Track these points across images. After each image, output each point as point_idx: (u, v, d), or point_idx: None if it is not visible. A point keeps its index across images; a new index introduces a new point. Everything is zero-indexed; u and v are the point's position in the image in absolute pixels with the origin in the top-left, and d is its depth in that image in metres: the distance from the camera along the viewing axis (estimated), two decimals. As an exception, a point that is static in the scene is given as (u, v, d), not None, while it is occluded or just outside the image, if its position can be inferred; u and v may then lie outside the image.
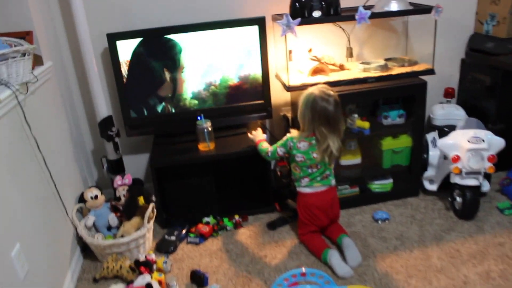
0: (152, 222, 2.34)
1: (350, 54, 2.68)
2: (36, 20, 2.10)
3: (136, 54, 2.42)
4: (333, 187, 2.28)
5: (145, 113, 2.55)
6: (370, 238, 2.35)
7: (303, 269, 2.08)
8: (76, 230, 2.27)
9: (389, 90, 2.42)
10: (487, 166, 2.33)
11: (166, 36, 2.41)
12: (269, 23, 2.53)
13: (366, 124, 2.46)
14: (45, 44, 2.20)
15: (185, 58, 2.47)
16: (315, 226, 2.28)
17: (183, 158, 2.47)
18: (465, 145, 2.34)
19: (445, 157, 2.50)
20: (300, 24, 2.22)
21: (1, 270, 1.51)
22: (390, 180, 2.68)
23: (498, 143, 2.36)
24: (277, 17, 2.39)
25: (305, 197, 2.26)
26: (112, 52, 2.38)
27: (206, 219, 2.51)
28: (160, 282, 2.03)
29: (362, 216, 2.55)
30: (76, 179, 2.49)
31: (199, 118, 2.46)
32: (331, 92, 2.11)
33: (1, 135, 1.65)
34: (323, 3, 2.33)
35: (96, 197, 2.35)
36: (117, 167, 2.59)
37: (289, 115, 2.68)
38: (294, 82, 2.43)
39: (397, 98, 2.56)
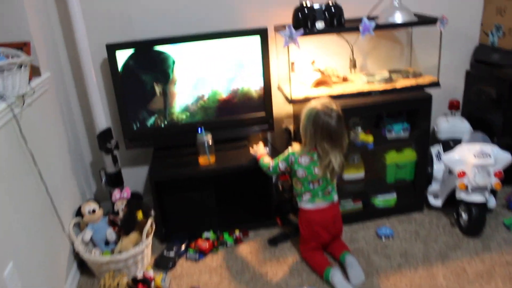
0: (150, 237, 2.29)
1: (353, 65, 2.64)
2: (34, 31, 2.06)
3: (129, 66, 2.38)
4: (335, 203, 2.23)
5: (147, 125, 2.50)
6: (373, 255, 2.29)
7: (305, 288, 2.02)
8: (73, 246, 2.22)
9: (394, 103, 2.38)
10: (494, 182, 2.28)
11: (167, 45, 2.37)
12: (271, 34, 2.50)
13: (370, 138, 2.41)
14: (43, 54, 2.16)
15: (186, 69, 2.43)
16: (317, 243, 2.23)
17: (183, 172, 2.42)
18: (471, 160, 2.29)
19: (450, 171, 2.45)
20: (303, 35, 2.19)
21: (-7, 291, 1.46)
22: (394, 195, 2.63)
23: (505, 158, 2.32)
24: (279, 28, 2.35)
25: (307, 213, 2.22)
26: (112, 63, 2.34)
27: (206, 234, 2.46)
28: (158, 300, 1.98)
29: (365, 232, 2.49)
30: (74, 192, 2.45)
31: (199, 130, 2.41)
32: (334, 107, 2.07)
33: (-4, 150, 1.61)
34: (326, 14, 2.29)
35: (93, 211, 2.31)
36: (115, 180, 2.54)
37: (291, 127, 2.64)
38: (296, 94, 2.39)
39: (401, 111, 2.51)
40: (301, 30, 2.17)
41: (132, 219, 2.28)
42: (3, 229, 1.59)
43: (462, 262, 2.19)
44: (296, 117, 2.54)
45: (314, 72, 2.53)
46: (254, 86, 2.51)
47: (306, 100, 2.23)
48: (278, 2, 2.53)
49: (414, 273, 2.14)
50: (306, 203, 2.20)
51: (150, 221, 2.27)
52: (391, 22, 2.34)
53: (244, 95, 2.52)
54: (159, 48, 2.37)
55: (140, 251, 2.19)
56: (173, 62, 2.40)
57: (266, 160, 2.31)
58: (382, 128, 2.52)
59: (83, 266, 2.30)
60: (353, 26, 2.28)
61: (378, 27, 2.26)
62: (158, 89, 2.43)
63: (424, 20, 2.39)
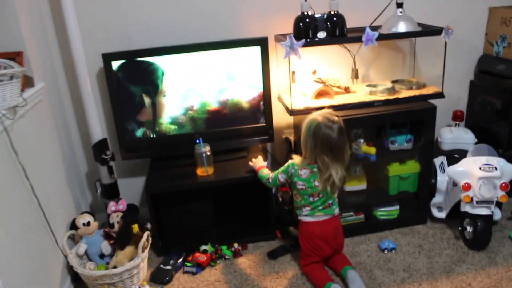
0: (146, 251, 2.23)
1: (355, 75, 2.60)
2: (28, 41, 2.01)
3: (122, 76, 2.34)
4: (336, 216, 2.18)
5: (144, 135, 2.45)
6: (376, 270, 2.23)
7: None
8: (67, 259, 2.16)
9: (397, 114, 2.32)
10: (500, 194, 2.23)
11: (164, 55, 2.33)
12: (271, 43, 2.45)
13: (372, 150, 2.36)
14: (38, 64, 2.12)
15: (187, 79, 2.39)
16: (317, 256, 2.18)
17: (180, 184, 2.37)
18: (476, 173, 2.24)
19: (454, 183, 2.40)
20: (305, 45, 2.14)
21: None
22: (397, 207, 2.58)
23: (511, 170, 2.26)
24: (280, 38, 2.31)
25: (307, 226, 2.17)
26: (108, 73, 2.29)
27: (203, 247, 2.41)
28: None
29: (368, 245, 2.43)
30: (68, 204, 2.39)
31: (197, 141, 2.36)
32: (336, 119, 2.01)
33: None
34: (328, 23, 2.24)
35: (88, 223, 2.26)
36: (111, 192, 2.49)
37: (291, 138, 2.59)
38: (297, 105, 2.34)
39: (404, 122, 2.46)
40: (303, 41, 2.13)
41: (128, 232, 2.23)
42: (-8, 246, 1.54)
43: (467, 277, 2.14)
44: (296, 127, 2.49)
45: (315, 82, 2.49)
46: (254, 96, 2.46)
47: (307, 111, 2.19)
48: (279, 10, 2.49)
49: (418, 289, 2.09)
50: (305, 216, 2.16)
51: (146, 234, 2.22)
52: (395, 32, 2.29)
53: (244, 105, 2.47)
54: (156, 58, 2.33)
55: (136, 265, 2.14)
56: (162, 73, 2.37)
57: (265, 171, 2.26)
58: (385, 140, 2.46)
59: (77, 280, 2.24)
60: (355, 36, 2.24)
61: (382, 37, 2.21)
62: (147, 100, 2.40)
63: (429, 31, 2.34)
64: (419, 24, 2.37)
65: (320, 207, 2.13)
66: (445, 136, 2.63)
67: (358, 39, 2.20)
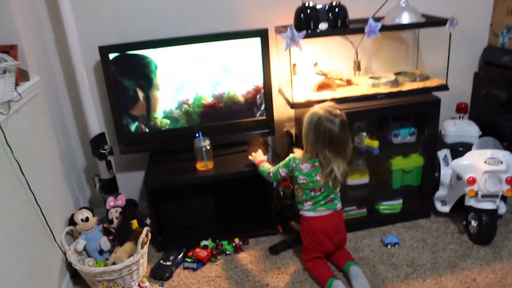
0: (146, 247, 2.21)
1: (358, 67, 2.55)
2: (23, 33, 1.97)
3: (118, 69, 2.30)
4: (338, 211, 2.15)
5: (143, 129, 2.42)
6: (379, 265, 2.20)
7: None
8: (65, 255, 2.14)
9: (400, 107, 2.28)
10: (505, 188, 2.20)
11: (163, 48, 2.29)
12: (272, 35, 2.40)
13: (375, 143, 2.32)
14: (33, 58, 2.07)
15: (185, 72, 2.34)
16: (320, 252, 2.15)
17: (179, 179, 2.34)
18: (481, 167, 2.20)
19: (458, 177, 2.36)
20: (306, 37, 2.09)
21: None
22: (400, 201, 2.54)
23: (517, 164, 2.22)
24: (281, 30, 2.26)
25: (308, 220, 2.14)
26: (105, 66, 2.25)
27: (204, 243, 2.38)
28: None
29: (370, 239, 2.40)
30: (67, 200, 2.36)
31: (197, 135, 2.32)
32: (338, 112, 1.97)
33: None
34: (330, 14, 2.19)
35: (87, 219, 2.24)
36: (110, 187, 2.46)
37: (292, 131, 2.55)
38: (298, 98, 2.30)
39: (408, 115, 2.42)
40: (304, 32, 2.08)
41: (127, 228, 2.21)
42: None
43: (472, 272, 2.11)
44: (298, 120, 2.45)
45: (317, 74, 2.44)
46: (253, 89, 2.42)
47: (308, 104, 2.15)
48: (279, 1, 2.43)
49: (422, 284, 2.06)
50: (307, 211, 2.13)
51: (145, 230, 2.19)
52: (398, 23, 2.24)
53: (241, 99, 2.43)
54: (152, 51, 2.29)
55: (135, 261, 2.12)
56: (156, 67, 2.32)
57: (266, 166, 2.23)
58: (388, 133, 2.42)
59: (76, 277, 2.23)
60: (358, 27, 2.19)
61: (385, 28, 2.16)
62: (141, 94, 2.36)
63: (433, 22, 2.29)
64: (423, 15, 2.32)
65: (322, 202, 2.09)
66: (448, 129, 2.58)
67: (361, 31, 2.15)
